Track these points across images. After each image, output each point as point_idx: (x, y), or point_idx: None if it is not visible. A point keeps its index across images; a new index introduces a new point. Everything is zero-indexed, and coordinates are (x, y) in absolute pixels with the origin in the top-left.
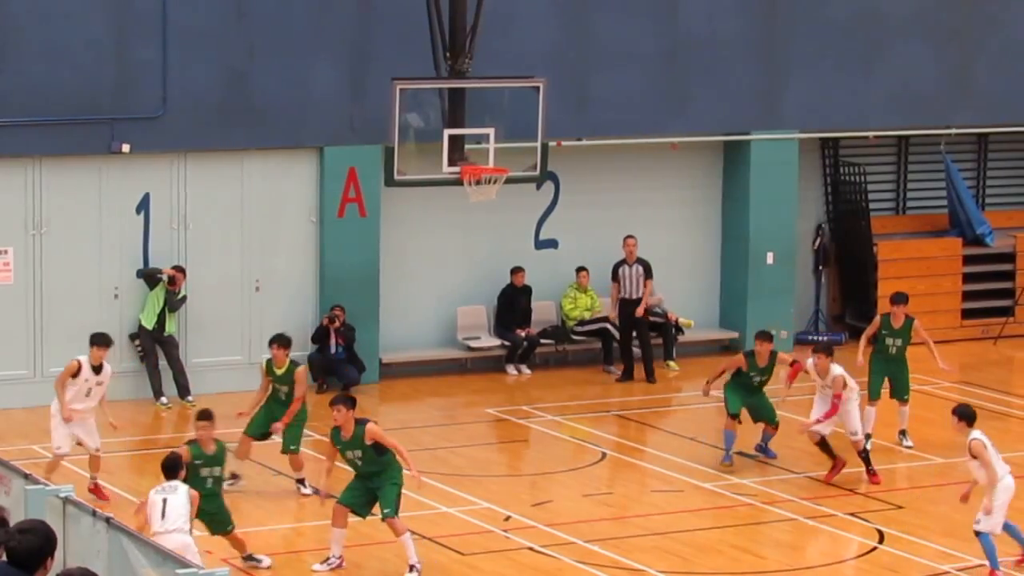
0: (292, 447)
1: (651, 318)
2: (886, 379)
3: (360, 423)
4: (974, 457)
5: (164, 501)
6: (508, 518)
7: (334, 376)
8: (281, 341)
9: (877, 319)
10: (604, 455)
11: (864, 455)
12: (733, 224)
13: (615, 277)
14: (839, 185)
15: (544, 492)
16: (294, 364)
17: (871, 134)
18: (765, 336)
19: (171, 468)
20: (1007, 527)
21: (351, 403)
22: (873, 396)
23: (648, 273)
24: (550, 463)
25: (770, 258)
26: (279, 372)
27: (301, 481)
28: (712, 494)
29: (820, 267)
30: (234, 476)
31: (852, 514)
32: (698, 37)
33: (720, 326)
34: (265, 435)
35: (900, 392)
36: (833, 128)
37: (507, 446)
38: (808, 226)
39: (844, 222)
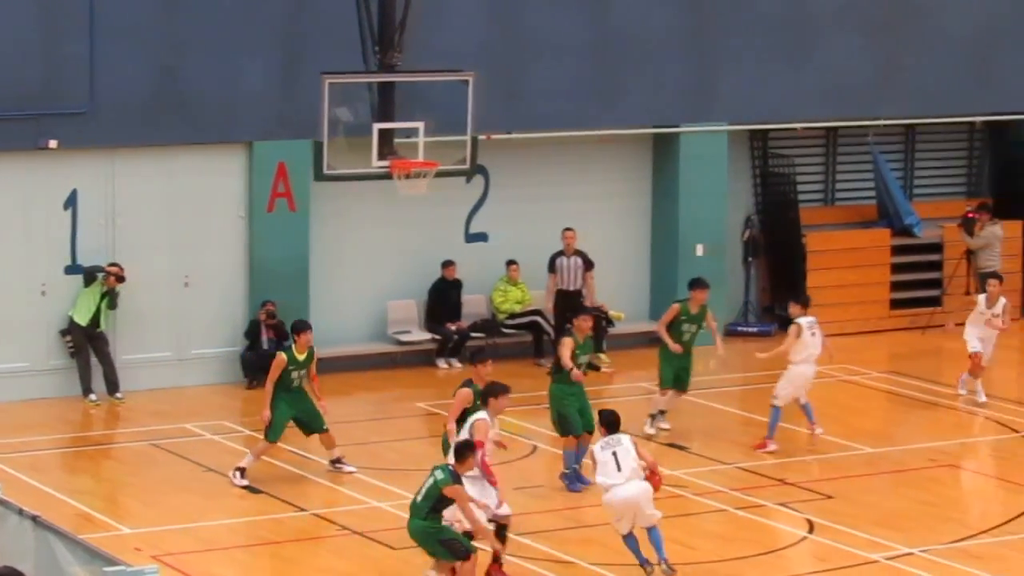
0: (325, 426)
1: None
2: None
3: None
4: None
5: (614, 455)
6: None
7: (265, 372)
8: (308, 326)
9: (676, 306)
10: (535, 448)
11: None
12: (663, 216)
13: (552, 268)
14: (768, 177)
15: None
16: (312, 348)
17: (800, 126)
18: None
19: (613, 423)
20: (803, 406)
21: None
22: (665, 384)
23: (588, 265)
24: None
25: (700, 250)
26: (302, 358)
27: (339, 460)
28: None
29: (749, 258)
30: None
31: (782, 504)
32: (628, 30)
33: (651, 318)
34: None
35: (684, 381)
36: (762, 120)
37: (439, 440)
38: (738, 218)
39: (773, 213)
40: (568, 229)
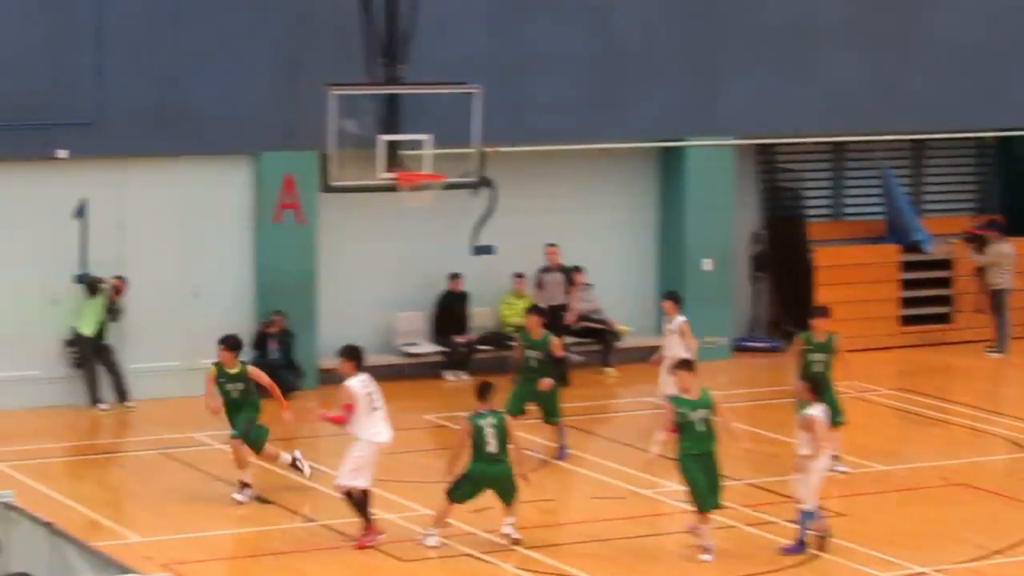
0: (236, 432)
1: (586, 323)
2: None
3: None
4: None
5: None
6: (447, 524)
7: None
8: (228, 343)
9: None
10: (544, 461)
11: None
12: (670, 230)
13: (539, 285)
14: (775, 191)
15: (481, 499)
16: (244, 363)
17: (807, 140)
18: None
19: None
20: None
21: None
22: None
23: (570, 280)
24: None
25: (707, 264)
26: (232, 372)
27: (247, 485)
28: (652, 501)
29: (757, 273)
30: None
31: (791, 521)
32: (633, 43)
33: (657, 332)
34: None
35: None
36: (769, 134)
37: (446, 452)
38: (745, 232)
39: (780, 228)
40: (551, 245)
